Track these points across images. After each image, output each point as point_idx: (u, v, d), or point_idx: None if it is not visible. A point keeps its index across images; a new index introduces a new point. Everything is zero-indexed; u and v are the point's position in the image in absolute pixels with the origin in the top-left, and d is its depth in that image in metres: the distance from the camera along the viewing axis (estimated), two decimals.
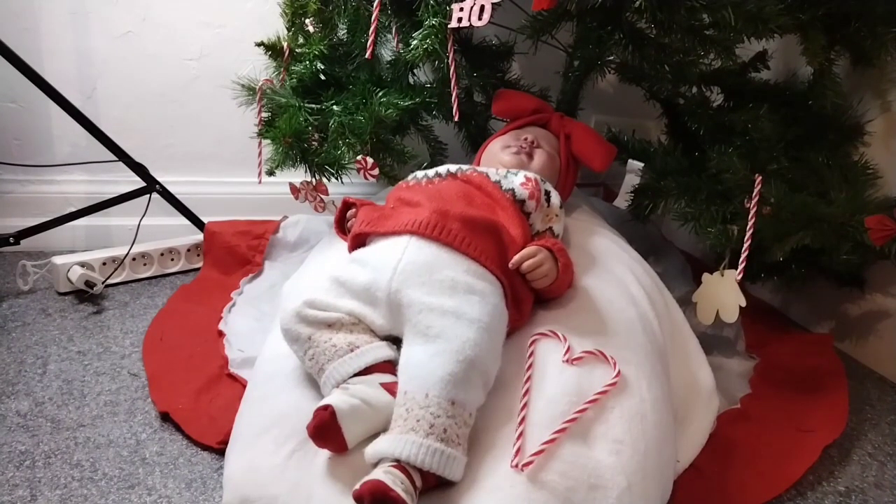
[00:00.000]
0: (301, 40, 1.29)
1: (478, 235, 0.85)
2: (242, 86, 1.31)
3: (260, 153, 1.32)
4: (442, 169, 1.02)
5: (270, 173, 1.27)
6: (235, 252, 1.41)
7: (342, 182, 1.22)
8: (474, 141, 1.40)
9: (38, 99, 1.31)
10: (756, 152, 1.09)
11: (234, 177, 1.59)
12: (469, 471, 0.70)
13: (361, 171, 1.14)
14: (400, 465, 0.66)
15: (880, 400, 1.19)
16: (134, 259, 1.40)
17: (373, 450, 0.68)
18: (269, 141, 1.22)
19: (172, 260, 1.45)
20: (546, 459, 0.70)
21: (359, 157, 1.13)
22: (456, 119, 1.08)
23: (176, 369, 1.08)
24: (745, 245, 1.03)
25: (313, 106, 1.20)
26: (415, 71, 1.26)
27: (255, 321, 1.20)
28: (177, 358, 1.11)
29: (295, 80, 1.26)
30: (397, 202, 0.94)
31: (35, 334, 1.18)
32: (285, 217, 1.48)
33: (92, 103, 1.48)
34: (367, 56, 1.14)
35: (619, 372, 0.81)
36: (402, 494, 0.63)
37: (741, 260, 1.03)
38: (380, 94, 1.17)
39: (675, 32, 1.02)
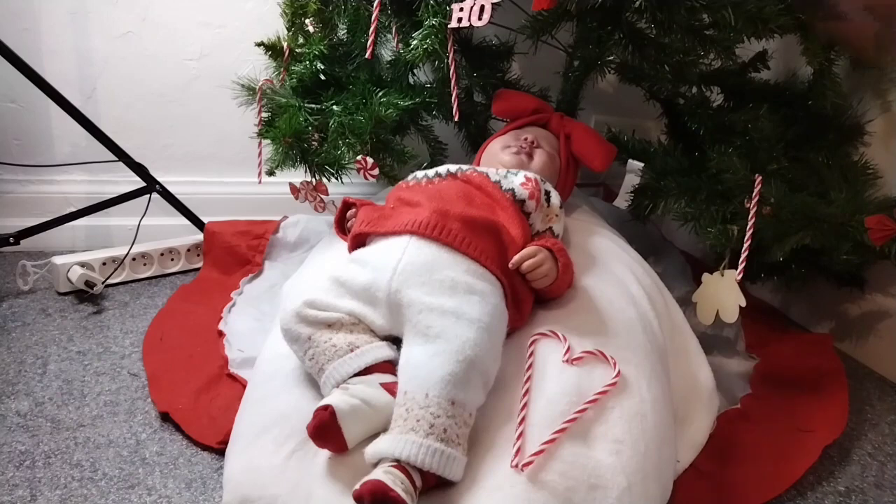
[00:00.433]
0: (301, 40, 1.29)
1: (478, 235, 0.85)
2: (242, 86, 1.31)
3: (260, 153, 1.31)
4: (442, 169, 1.02)
5: (270, 173, 1.27)
6: (235, 252, 1.41)
7: (342, 182, 1.22)
8: (474, 141, 1.40)
9: (38, 99, 1.31)
10: (756, 152, 1.09)
11: (234, 177, 1.59)
12: (469, 471, 0.70)
13: (361, 171, 1.14)
14: (400, 465, 0.66)
15: (880, 400, 1.19)
16: (134, 259, 1.40)
17: (373, 450, 0.68)
18: (269, 141, 1.22)
19: (172, 260, 1.45)
20: (546, 459, 0.70)
21: (359, 157, 1.13)
22: (456, 119, 1.08)
23: (176, 369, 1.08)
24: (745, 245, 1.02)
25: (313, 106, 1.20)
26: (415, 71, 1.26)
27: (255, 321, 1.20)
28: (177, 358, 1.11)
29: (295, 80, 1.26)
30: (397, 202, 0.94)
31: (35, 334, 1.18)
32: (285, 217, 1.47)
33: (92, 103, 1.48)
34: (367, 56, 1.14)
35: (619, 372, 0.81)
36: (402, 494, 0.63)
37: (741, 260, 1.03)
38: (380, 94, 1.17)
39: (674, 32, 1.02)
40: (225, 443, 0.86)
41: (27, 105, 1.45)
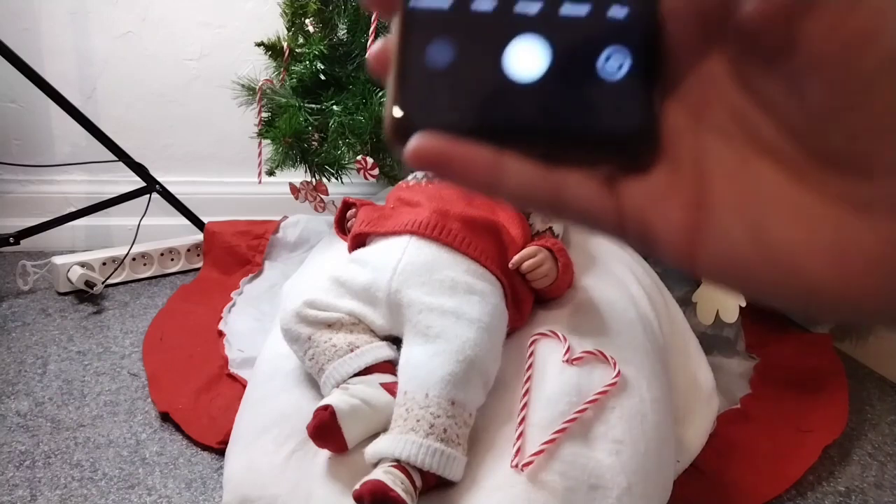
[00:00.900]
0: (301, 40, 1.29)
1: (478, 235, 0.85)
2: (242, 86, 1.30)
3: (260, 153, 1.31)
4: None
5: (270, 173, 1.27)
6: (235, 252, 1.40)
7: (342, 182, 1.21)
8: None
9: (38, 99, 1.31)
10: None
11: (234, 177, 1.59)
12: (469, 471, 0.70)
13: (361, 171, 1.14)
14: (400, 465, 0.66)
15: (880, 400, 1.19)
16: (134, 259, 1.40)
17: (373, 450, 0.68)
18: (269, 141, 1.22)
19: (172, 260, 1.45)
20: (546, 459, 0.70)
21: (359, 157, 1.12)
22: None
23: (176, 369, 1.08)
24: None
25: (313, 106, 1.20)
26: None
27: (255, 321, 1.20)
28: (177, 358, 1.11)
29: (295, 80, 1.25)
30: (397, 202, 0.94)
31: (35, 334, 1.18)
32: (285, 217, 1.47)
33: (92, 103, 1.48)
34: (367, 56, 1.14)
35: (619, 372, 0.81)
36: (402, 494, 0.63)
37: None
38: (380, 94, 1.17)
39: None
40: (225, 443, 0.86)
41: (27, 105, 1.45)
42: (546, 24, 0.21)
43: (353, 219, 1.00)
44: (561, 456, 0.71)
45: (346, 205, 1.04)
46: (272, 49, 1.33)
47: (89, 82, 1.48)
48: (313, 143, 1.18)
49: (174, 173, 1.52)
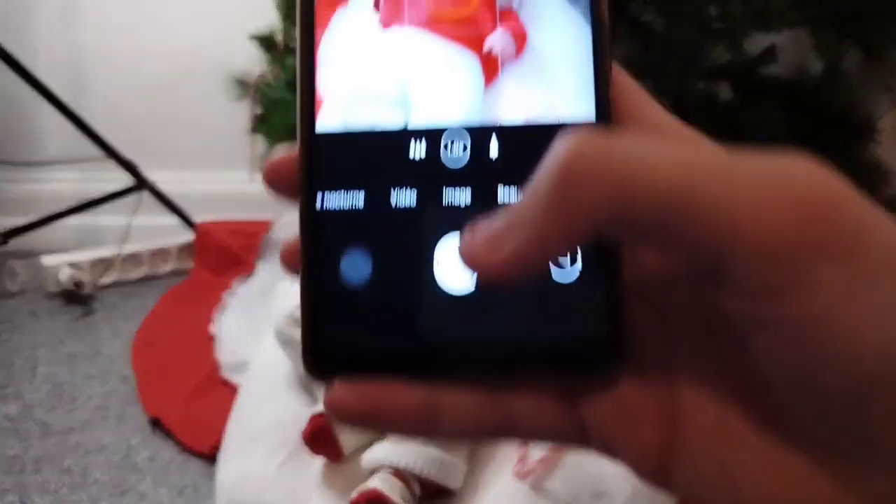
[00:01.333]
0: None
1: None
2: (236, 80, 1.29)
3: (253, 149, 1.30)
4: None
5: None
6: (228, 252, 1.39)
7: None
8: None
9: (25, 94, 1.29)
10: (766, 149, 1.07)
11: (226, 173, 1.57)
12: (470, 479, 0.69)
13: None
14: (398, 472, 0.65)
15: None
16: (124, 259, 1.38)
17: (370, 457, 0.67)
18: (262, 136, 1.20)
19: (163, 260, 1.43)
20: (549, 467, 0.69)
21: None
22: None
23: (166, 373, 1.07)
24: None
25: None
26: None
27: (248, 324, 1.18)
28: (167, 361, 1.10)
29: (289, 74, 1.24)
30: None
31: (24, 336, 1.17)
32: (279, 216, 1.46)
33: (81, 99, 1.45)
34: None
35: None
36: (401, 503, 0.62)
37: None
38: None
39: (681, 25, 1.00)
40: (217, 448, 0.84)
41: (14, 101, 1.43)
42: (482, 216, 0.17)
43: None
44: (564, 463, 0.69)
45: None
46: (266, 43, 1.32)
47: (79, 77, 1.46)
48: None
49: (165, 170, 1.50)
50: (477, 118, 0.19)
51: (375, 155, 0.19)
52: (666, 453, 0.18)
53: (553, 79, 0.20)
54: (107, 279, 1.35)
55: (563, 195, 0.15)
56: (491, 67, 0.20)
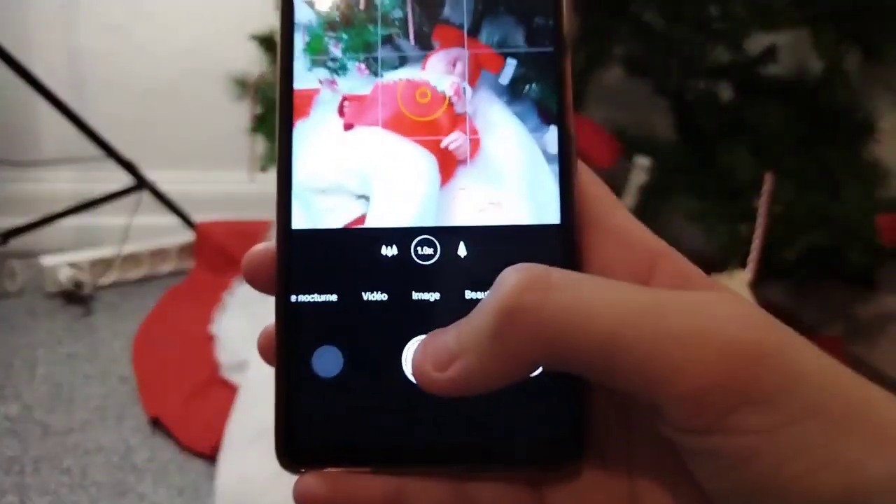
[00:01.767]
0: None
1: None
2: (236, 80, 1.29)
3: (253, 149, 1.30)
4: None
5: (264, 170, 1.25)
6: (228, 252, 1.39)
7: None
8: None
9: (24, 94, 1.28)
10: (766, 149, 1.07)
11: (226, 173, 1.57)
12: None
13: None
14: None
15: None
16: (124, 259, 1.38)
17: None
18: (262, 136, 1.20)
19: (163, 261, 1.43)
20: None
21: None
22: None
23: (166, 373, 1.07)
24: (755, 245, 1.01)
25: None
26: None
27: (248, 324, 1.18)
28: (167, 362, 1.10)
29: None
30: None
31: (23, 336, 1.16)
32: None
33: (81, 98, 1.45)
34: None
35: None
36: None
37: (749, 260, 1.02)
38: None
39: (682, 25, 1.00)
40: (217, 449, 0.84)
41: (13, 100, 1.42)
42: (452, 314, 0.18)
43: None
44: None
45: None
46: (266, 42, 1.32)
47: (78, 76, 1.45)
48: None
49: (165, 170, 1.50)
50: (435, 215, 0.20)
51: (348, 253, 0.20)
52: None
53: (510, 182, 0.20)
54: (106, 279, 1.35)
55: (502, 339, 0.17)
56: (448, 166, 0.20)
